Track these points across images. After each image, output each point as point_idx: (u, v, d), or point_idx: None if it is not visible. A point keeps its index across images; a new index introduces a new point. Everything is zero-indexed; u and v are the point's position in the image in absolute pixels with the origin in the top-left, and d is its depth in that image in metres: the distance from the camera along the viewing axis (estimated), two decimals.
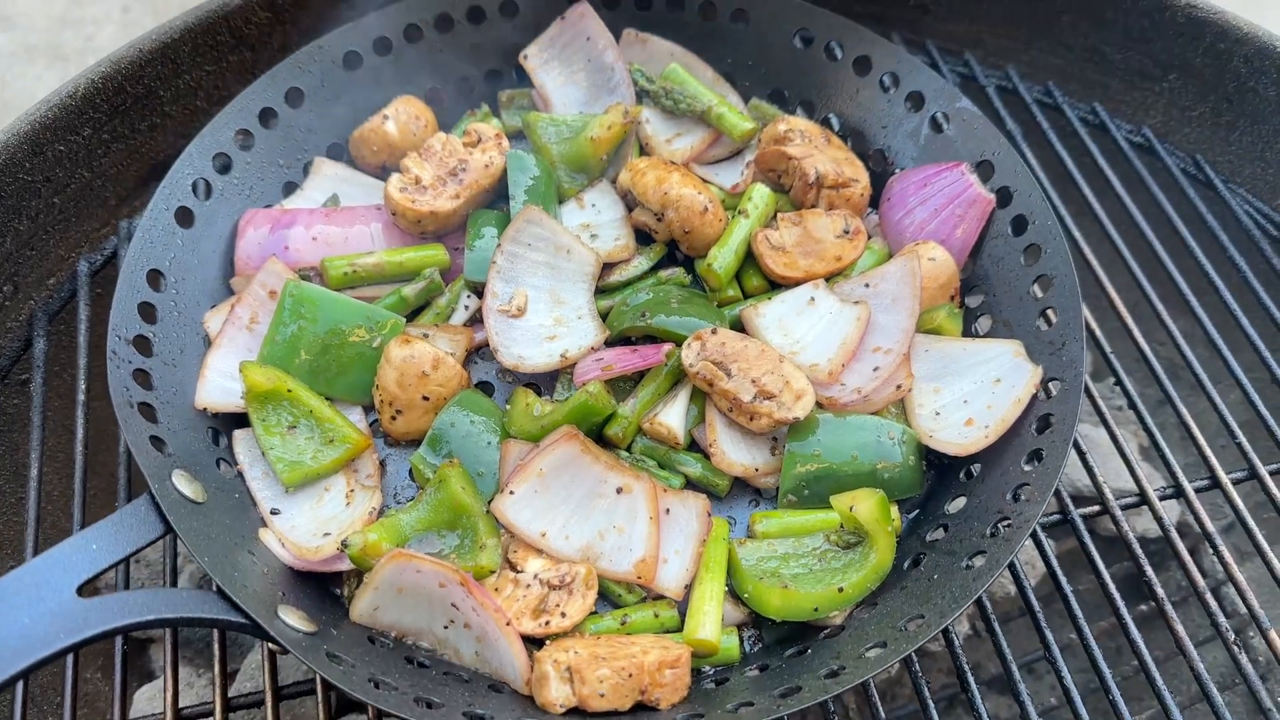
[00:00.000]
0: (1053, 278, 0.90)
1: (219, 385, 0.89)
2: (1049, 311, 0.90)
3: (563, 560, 0.81)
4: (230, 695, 0.82)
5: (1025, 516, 0.77)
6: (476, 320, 0.96)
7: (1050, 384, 0.86)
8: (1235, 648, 0.84)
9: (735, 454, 0.88)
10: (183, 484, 0.77)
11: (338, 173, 1.04)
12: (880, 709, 0.79)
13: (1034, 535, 0.88)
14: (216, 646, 0.82)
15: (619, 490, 0.83)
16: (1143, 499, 0.92)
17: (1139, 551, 0.88)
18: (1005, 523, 0.78)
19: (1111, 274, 1.06)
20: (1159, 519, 0.90)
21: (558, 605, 0.78)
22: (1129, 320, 1.02)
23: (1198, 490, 0.93)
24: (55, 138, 0.99)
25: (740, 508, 0.89)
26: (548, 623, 0.78)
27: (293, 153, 1.03)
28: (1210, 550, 0.90)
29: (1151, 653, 0.84)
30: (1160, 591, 0.86)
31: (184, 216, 0.93)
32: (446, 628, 0.78)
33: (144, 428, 0.80)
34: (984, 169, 0.98)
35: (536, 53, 1.11)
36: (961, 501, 0.86)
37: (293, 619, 0.73)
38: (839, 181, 1.01)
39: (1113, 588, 0.86)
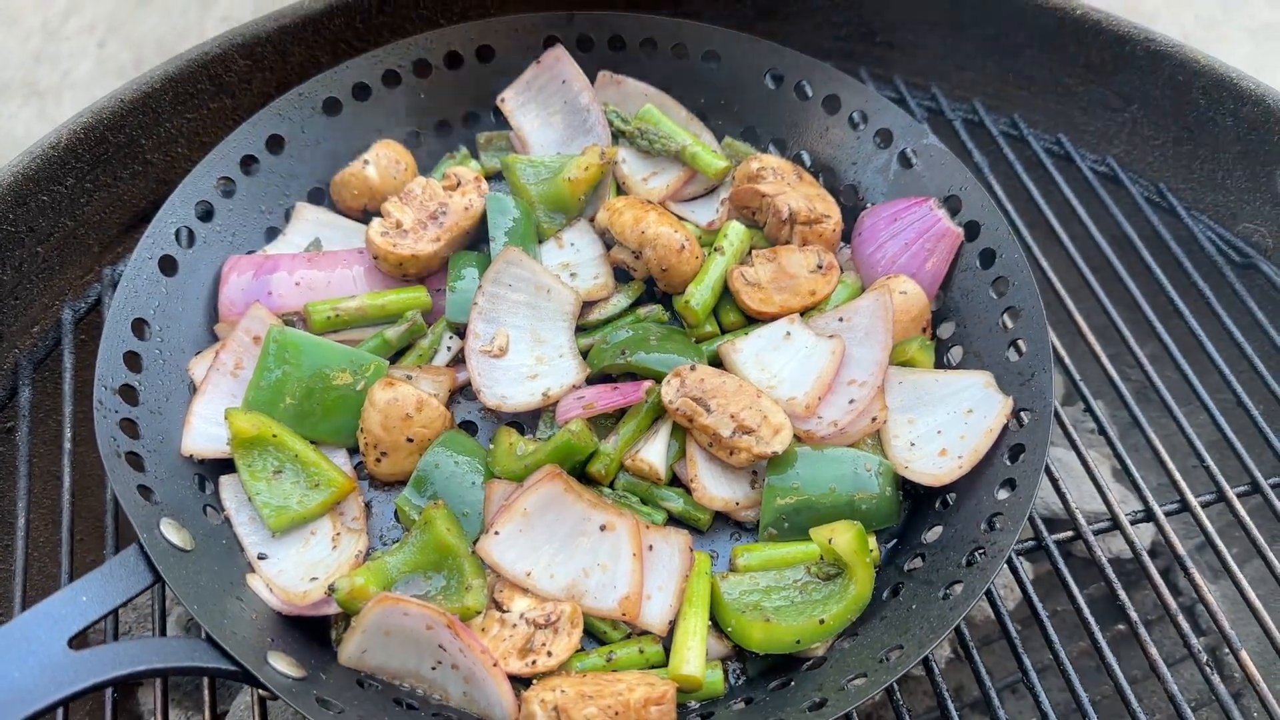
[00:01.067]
0: (1020, 309, 0.93)
1: (204, 432, 0.90)
2: (1018, 342, 0.92)
3: (548, 599, 0.83)
4: None
5: (999, 545, 0.79)
6: (459, 360, 0.98)
7: (1021, 414, 0.88)
8: (1207, 669, 0.86)
9: (716, 489, 0.89)
10: (170, 532, 0.78)
11: (319, 217, 1.06)
12: None
13: (1010, 560, 0.90)
14: (206, 692, 0.83)
15: (602, 528, 0.85)
16: (1114, 523, 0.94)
17: (1111, 575, 0.90)
18: (980, 551, 0.80)
19: (1078, 299, 1.08)
20: (1131, 543, 0.93)
21: (544, 644, 0.80)
22: (1096, 346, 1.05)
23: (1168, 514, 0.95)
24: (39, 188, 1.00)
25: (722, 541, 0.91)
26: (534, 662, 0.79)
27: (274, 198, 1.04)
28: (1182, 572, 0.92)
29: (1129, 672, 0.86)
30: (1133, 614, 0.88)
31: (167, 264, 0.94)
32: (434, 669, 0.79)
33: (131, 477, 0.81)
34: (952, 203, 1.01)
35: (513, 96, 1.13)
36: (938, 530, 0.88)
37: (282, 664, 0.74)
38: (811, 218, 1.03)
39: (1087, 611, 0.88)
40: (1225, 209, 1.17)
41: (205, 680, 0.82)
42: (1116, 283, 1.10)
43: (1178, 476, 0.96)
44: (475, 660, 0.76)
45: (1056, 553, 0.92)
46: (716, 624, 0.84)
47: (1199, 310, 1.09)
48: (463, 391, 0.98)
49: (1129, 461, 0.98)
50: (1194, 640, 0.87)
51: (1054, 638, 0.86)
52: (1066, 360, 1.04)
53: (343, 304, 0.97)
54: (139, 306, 0.91)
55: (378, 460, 0.90)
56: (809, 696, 0.75)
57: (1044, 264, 1.10)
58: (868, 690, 0.72)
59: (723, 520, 0.92)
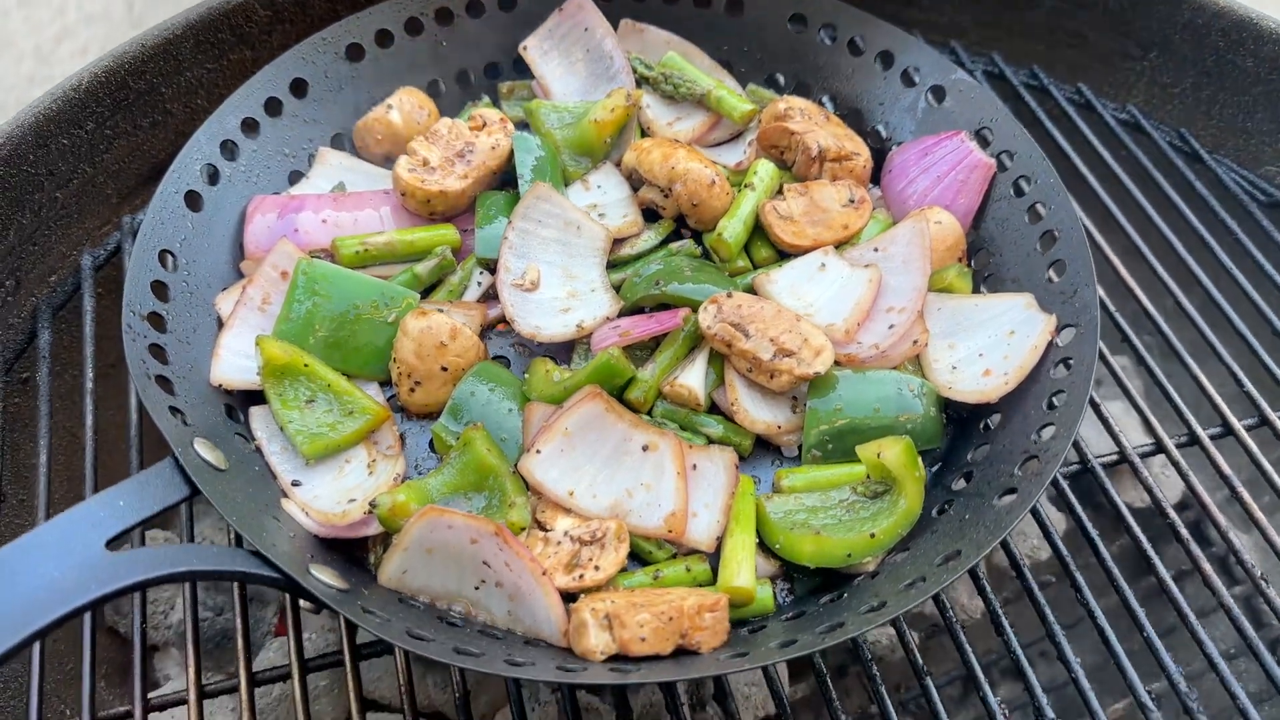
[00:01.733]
0: (1058, 231, 0.92)
1: (233, 363, 0.88)
2: (1058, 262, 0.91)
3: (592, 518, 0.81)
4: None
5: (1053, 452, 0.77)
6: (489, 297, 0.96)
7: (1066, 328, 0.87)
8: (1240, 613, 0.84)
9: (757, 412, 0.88)
10: (205, 451, 0.76)
11: (343, 162, 1.04)
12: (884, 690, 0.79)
13: (1037, 512, 0.88)
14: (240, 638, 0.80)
15: (645, 448, 0.83)
16: (1159, 446, 0.93)
17: (1160, 495, 0.89)
18: (1034, 458, 0.78)
19: (1109, 239, 1.08)
20: (1175, 463, 0.91)
21: (590, 559, 0.78)
22: (1130, 281, 1.04)
23: (1213, 437, 0.94)
24: (60, 130, 0.99)
25: (764, 468, 0.89)
26: (581, 576, 0.77)
27: (298, 143, 1.03)
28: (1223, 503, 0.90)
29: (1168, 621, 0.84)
30: (1160, 568, 0.85)
31: (193, 200, 0.93)
32: (478, 588, 0.76)
33: (162, 399, 0.79)
34: (983, 135, 1.00)
35: (536, 44, 1.12)
36: (985, 450, 0.86)
37: (325, 576, 0.71)
38: (841, 154, 1.03)
39: (1110, 562, 0.85)
40: (1248, 152, 1.17)
41: (239, 630, 0.80)
42: (1144, 221, 1.10)
43: (1219, 401, 0.95)
44: (522, 572, 0.73)
45: (1104, 475, 0.90)
46: (763, 543, 0.82)
47: (1228, 246, 1.08)
48: (493, 329, 0.96)
49: (1170, 389, 0.96)
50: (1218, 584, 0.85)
51: (1084, 588, 0.84)
52: (1103, 296, 1.03)
53: (371, 239, 0.95)
54: (165, 238, 0.89)
55: (411, 390, 0.88)
56: (865, 602, 0.73)
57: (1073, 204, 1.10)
58: (927, 591, 0.70)
59: (763, 448, 0.90)
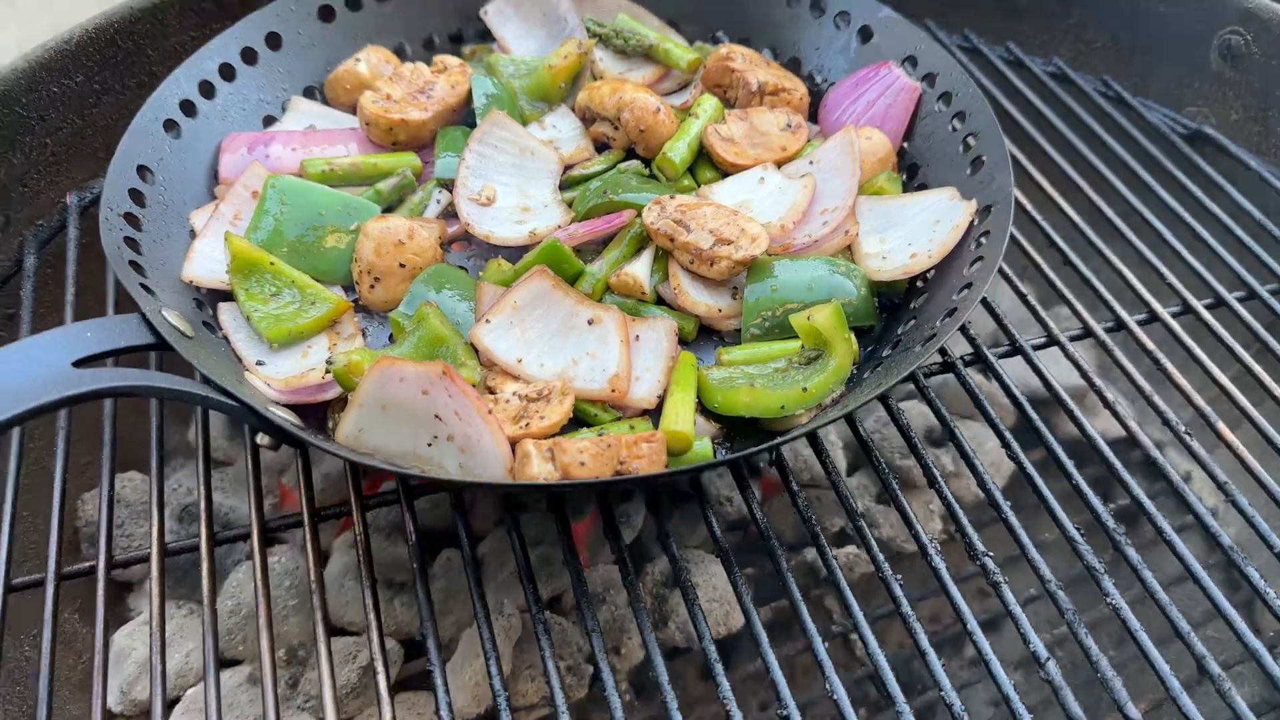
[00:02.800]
0: (979, 131, 0.98)
1: (204, 264, 0.93)
2: (976, 161, 0.97)
3: (538, 382, 0.85)
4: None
5: (972, 295, 0.82)
6: (449, 215, 1.02)
7: (984, 211, 0.92)
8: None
9: (698, 296, 0.93)
10: (173, 318, 0.81)
11: (314, 109, 1.12)
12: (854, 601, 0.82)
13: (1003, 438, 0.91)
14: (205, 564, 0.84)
15: (590, 322, 0.88)
16: (1086, 330, 0.98)
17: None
18: (953, 311, 0.83)
19: (1043, 171, 1.14)
20: (1072, 359, 0.96)
21: (537, 411, 0.82)
22: (1059, 199, 1.10)
23: (1137, 323, 0.99)
24: (50, 78, 1.06)
25: (706, 350, 0.93)
26: (527, 425, 0.80)
27: (272, 90, 1.10)
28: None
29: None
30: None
31: (170, 126, 1.00)
32: (430, 444, 0.80)
33: (135, 278, 0.84)
34: (910, 63, 1.08)
35: (496, 8, 1.21)
36: (913, 323, 0.91)
37: (284, 413, 0.75)
38: (779, 88, 1.10)
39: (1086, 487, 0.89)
40: (1170, 94, 1.25)
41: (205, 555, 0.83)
42: (1076, 156, 1.16)
43: (1141, 289, 1.00)
44: (470, 416, 0.77)
45: (1033, 354, 0.95)
46: (704, 408, 0.86)
47: (1155, 173, 1.15)
48: (450, 246, 1.02)
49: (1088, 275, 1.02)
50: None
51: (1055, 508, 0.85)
52: (1030, 209, 1.09)
53: (337, 160, 1.02)
54: (144, 155, 0.96)
55: (371, 287, 0.94)
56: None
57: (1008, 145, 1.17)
58: (849, 402, 0.74)
59: (706, 335, 0.94)
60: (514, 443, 0.80)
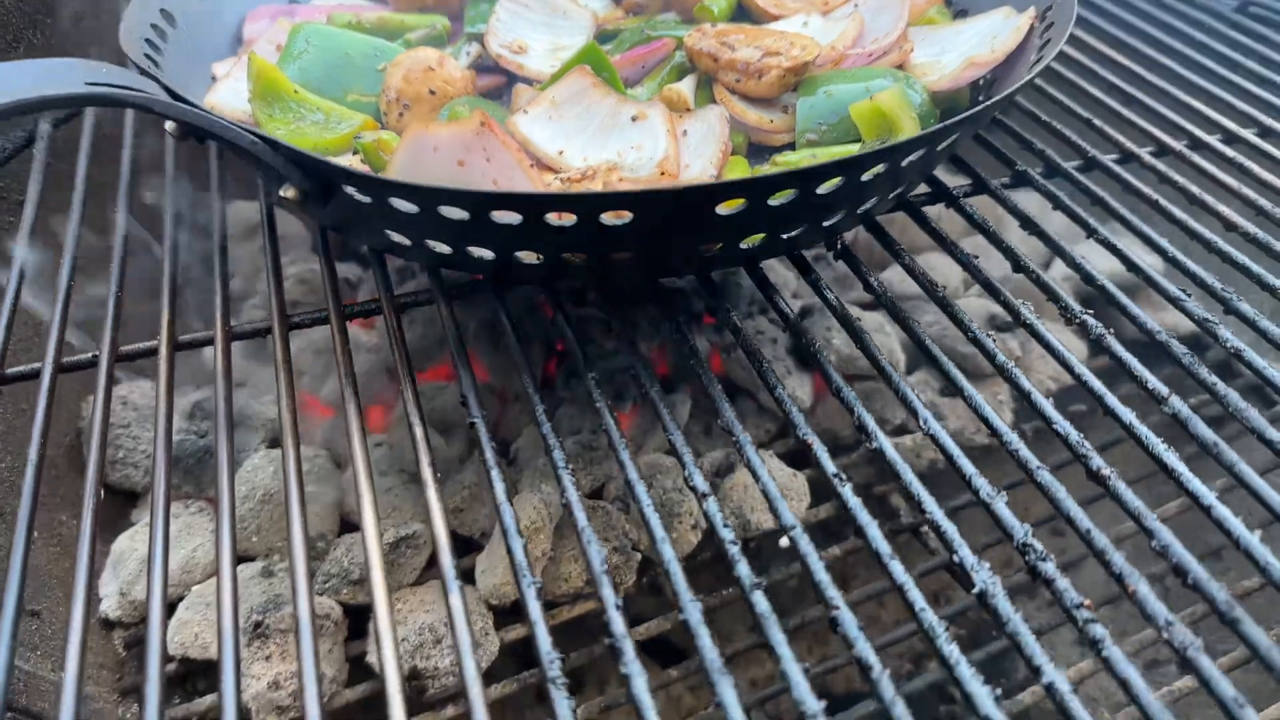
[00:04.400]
0: None
1: (226, 95, 0.89)
2: None
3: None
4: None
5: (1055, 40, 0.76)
6: (479, 68, 0.98)
7: (1045, 13, 0.88)
8: None
9: (748, 108, 0.87)
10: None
11: None
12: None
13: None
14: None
15: (634, 118, 0.82)
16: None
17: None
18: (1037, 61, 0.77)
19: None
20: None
21: (580, 190, 0.75)
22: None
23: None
24: None
25: (759, 161, 0.87)
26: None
27: None
28: None
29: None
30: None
31: None
32: None
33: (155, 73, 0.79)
34: None
35: None
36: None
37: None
38: None
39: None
40: None
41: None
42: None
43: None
44: (511, 172, 0.71)
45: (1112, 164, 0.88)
46: None
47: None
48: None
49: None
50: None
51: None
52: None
53: (365, 14, 0.99)
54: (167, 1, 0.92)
55: (400, 115, 0.88)
56: None
57: None
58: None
59: (757, 156, 0.88)
60: None
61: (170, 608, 0.93)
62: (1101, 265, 0.82)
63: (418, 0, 1.02)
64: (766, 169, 0.81)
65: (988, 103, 0.70)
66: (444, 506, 0.62)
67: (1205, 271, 0.78)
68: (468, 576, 0.94)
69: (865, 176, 0.68)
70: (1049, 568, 0.55)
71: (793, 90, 0.88)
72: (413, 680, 0.84)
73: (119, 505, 1.06)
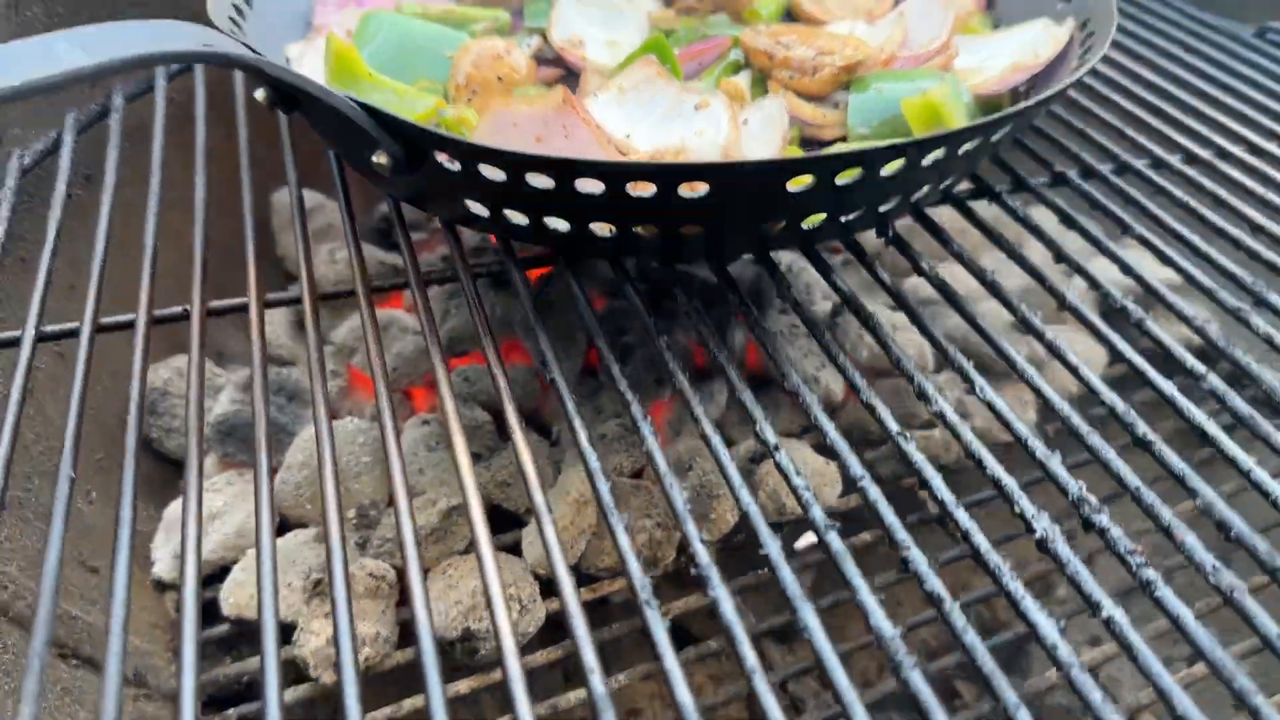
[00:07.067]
0: None
1: (304, 69, 0.92)
2: None
3: None
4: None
5: (1091, 58, 0.81)
6: (539, 59, 1.02)
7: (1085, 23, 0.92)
8: None
9: (801, 102, 0.91)
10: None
11: None
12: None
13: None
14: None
15: (697, 107, 0.86)
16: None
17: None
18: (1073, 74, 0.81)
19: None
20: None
21: None
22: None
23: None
24: None
25: None
26: None
27: None
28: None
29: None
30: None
31: None
32: None
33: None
34: None
35: None
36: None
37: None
38: None
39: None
40: (1231, 11, 1.27)
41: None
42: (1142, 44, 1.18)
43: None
44: (589, 148, 0.75)
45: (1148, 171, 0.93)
46: None
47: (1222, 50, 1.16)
48: None
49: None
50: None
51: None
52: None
53: (432, 6, 1.03)
54: None
55: (469, 100, 0.92)
56: None
57: None
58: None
59: (808, 149, 0.93)
60: None
61: (224, 570, 0.96)
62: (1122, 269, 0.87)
63: None
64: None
65: (1041, 96, 0.74)
66: (477, 481, 0.62)
67: (1236, 266, 0.82)
68: (514, 550, 0.97)
69: (926, 160, 0.72)
70: (1102, 519, 0.59)
71: (844, 88, 0.93)
72: (465, 641, 0.87)
73: (174, 473, 1.09)
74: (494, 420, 1.08)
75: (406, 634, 0.91)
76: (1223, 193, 0.92)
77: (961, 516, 0.61)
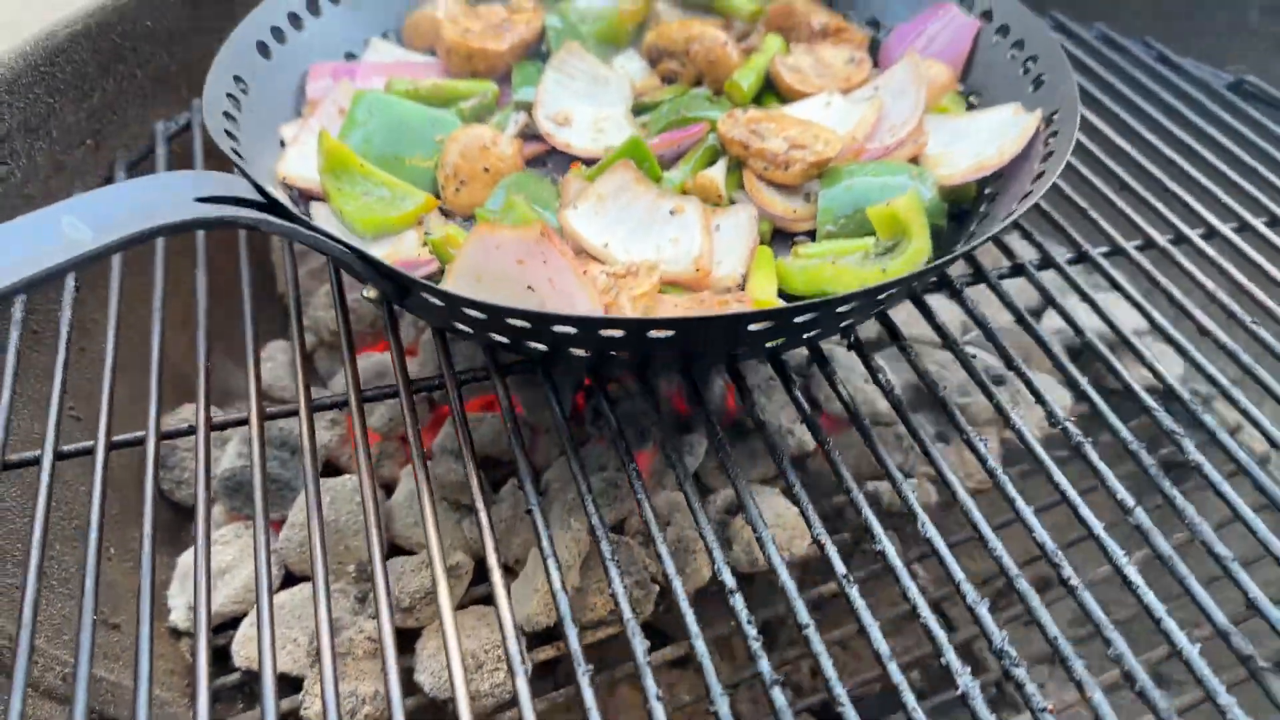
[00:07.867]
0: (1038, 53, 1.02)
1: (298, 163, 0.96)
2: (1038, 80, 1.01)
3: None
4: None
5: (1049, 175, 0.85)
6: (526, 136, 1.06)
7: (1051, 116, 0.96)
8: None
9: (773, 196, 0.96)
10: (275, 191, 0.84)
11: (393, 50, 1.16)
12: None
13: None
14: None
15: (671, 212, 0.91)
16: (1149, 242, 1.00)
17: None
18: (1033, 183, 0.85)
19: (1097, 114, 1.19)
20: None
21: (625, 285, 0.84)
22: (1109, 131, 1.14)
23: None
24: (145, 14, 1.11)
25: (781, 252, 0.96)
26: (617, 294, 0.82)
27: (353, 31, 1.15)
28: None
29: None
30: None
31: (263, 48, 1.04)
32: None
33: (240, 162, 0.87)
34: (967, 3, 1.12)
35: None
36: (985, 219, 0.93)
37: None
38: (841, 28, 1.15)
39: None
40: (1211, 53, 1.29)
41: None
42: (1125, 102, 1.21)
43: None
44: (566, 279, 0.79)
45: (1104, 262, 0.97)
46: (784, 296, 0.88)
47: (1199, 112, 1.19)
48: (529, 164, 1.05)
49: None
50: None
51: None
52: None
53: (421, 82, 1.06)
54: (239, 67, 0.99)
55: (456, 190, 0.97)
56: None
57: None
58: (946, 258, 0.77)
59: (780, 241, 0.97)
60: (606, 310, 0.82)
61: (235, 622, 1.03)
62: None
63: (468, 64, 1.09)
64: (788, 260, 0.89)
65: (939, 261, 0.79)
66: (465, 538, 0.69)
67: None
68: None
69: (881, 297, 0.77)
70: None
71: (816, 178, 0.96)
72: (449, 704, 0.95)
73: (186, 519, 1.16)
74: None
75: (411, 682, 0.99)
76: (1175, 291, 0.96)
77: None
